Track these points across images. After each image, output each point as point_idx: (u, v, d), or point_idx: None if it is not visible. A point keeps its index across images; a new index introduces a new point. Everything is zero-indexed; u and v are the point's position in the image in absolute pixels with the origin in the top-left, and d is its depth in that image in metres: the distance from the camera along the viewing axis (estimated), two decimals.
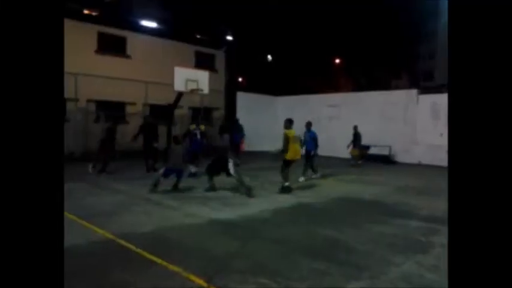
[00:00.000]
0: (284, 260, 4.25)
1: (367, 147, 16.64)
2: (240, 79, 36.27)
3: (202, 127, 11.12)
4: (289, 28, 33.77)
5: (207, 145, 11.12)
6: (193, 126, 10.94)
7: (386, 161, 16.08)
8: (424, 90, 18.96)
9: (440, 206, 7.36)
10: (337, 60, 38.30)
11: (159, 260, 4.10)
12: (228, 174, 8.16)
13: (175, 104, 13.77)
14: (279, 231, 5.45)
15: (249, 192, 7.88)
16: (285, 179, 8.48)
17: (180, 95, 13.33)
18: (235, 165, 13.41)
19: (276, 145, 7.78)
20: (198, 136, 10.71)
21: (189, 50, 19.43)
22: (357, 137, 14.79)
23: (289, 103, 21.05)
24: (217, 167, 8.30)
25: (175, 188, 8.38)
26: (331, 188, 9.31)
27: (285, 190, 8.41)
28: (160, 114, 14.99)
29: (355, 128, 14.85)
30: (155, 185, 8.04)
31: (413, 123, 16.55)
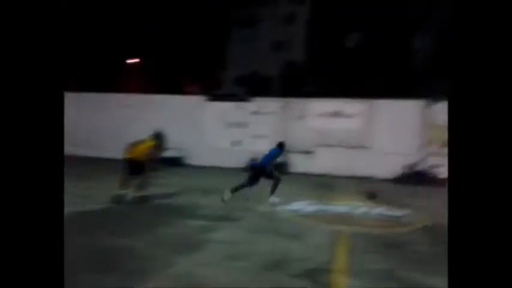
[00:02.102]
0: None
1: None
2: None
3: None
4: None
5: None
6: None
7: (177, 163, 16.95)
8: (213, 97, 20.90)
9: (220, 203, 8.50)
10: (134, 60, 37.53)
11: None
12: None
13: None
14: None
15: None
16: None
17: None
18: None
19: None
20: None
21: None
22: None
23: (82, 101, 19.44)
24: None
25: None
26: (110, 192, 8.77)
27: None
28: None
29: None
30: None
31: (203, 128, 18.08)
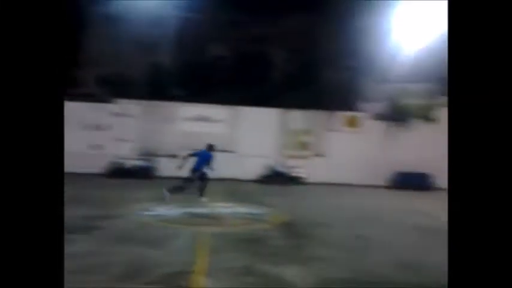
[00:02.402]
0: None
1: None
2: None
3: None
4: None
5: None
6: None
7: None
8: (72, 97, 18.64)
9: (75, 213, 7.71)
10: None
11: None
12: None
13: None
14: None
15: None
16: None
17: None
18: None
19: None
20: None
21: None
22: None
23: None
24: None
25: None
26: None
27: None
28: None
29: None
30: None
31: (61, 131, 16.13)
